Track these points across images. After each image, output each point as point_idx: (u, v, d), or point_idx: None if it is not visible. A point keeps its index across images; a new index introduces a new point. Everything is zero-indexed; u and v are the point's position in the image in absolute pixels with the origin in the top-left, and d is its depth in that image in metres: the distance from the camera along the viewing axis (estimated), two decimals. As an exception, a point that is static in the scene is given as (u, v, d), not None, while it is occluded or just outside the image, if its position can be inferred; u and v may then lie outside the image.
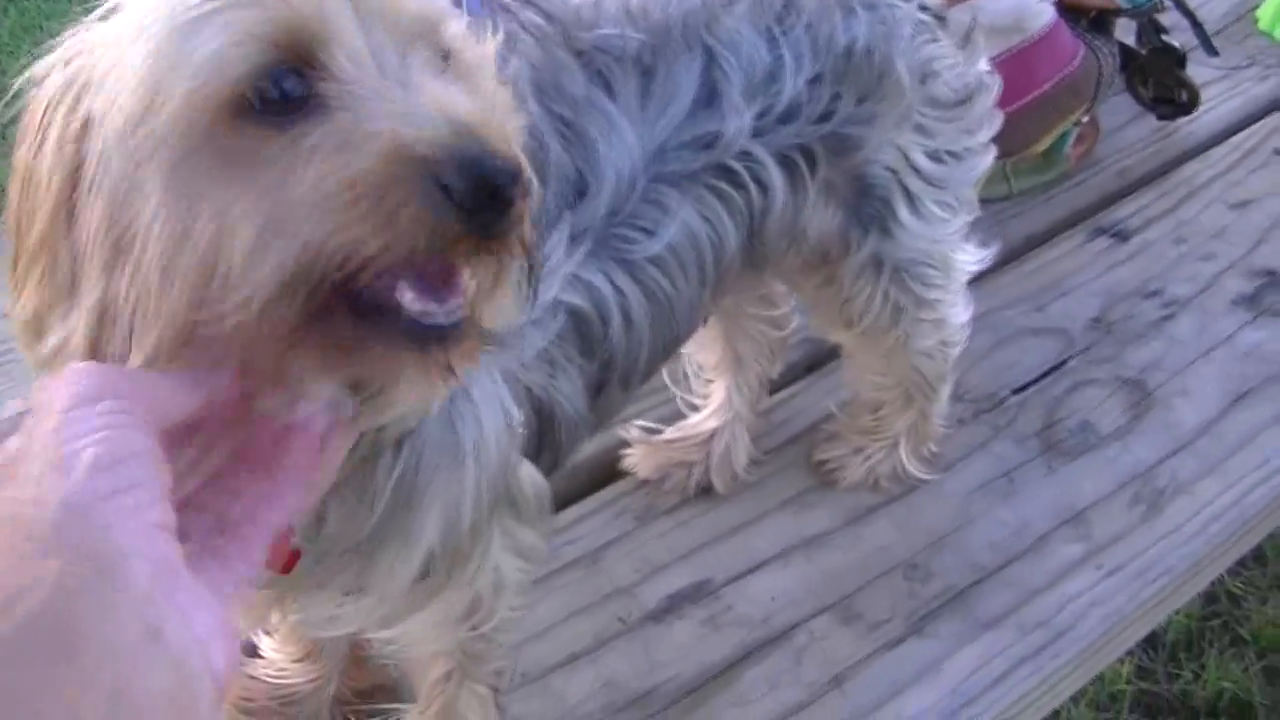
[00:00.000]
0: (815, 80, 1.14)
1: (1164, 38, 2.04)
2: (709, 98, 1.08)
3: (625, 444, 1.57)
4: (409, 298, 0.71)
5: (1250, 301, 1.82)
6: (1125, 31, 2.09)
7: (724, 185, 1.10)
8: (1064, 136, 1.96)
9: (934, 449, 1.57)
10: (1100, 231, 1.94)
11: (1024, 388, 1.69)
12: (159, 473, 0.66)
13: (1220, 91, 2.21)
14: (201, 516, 0.71)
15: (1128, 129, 2.13)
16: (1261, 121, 2.17)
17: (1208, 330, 1.77)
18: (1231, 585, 2.67)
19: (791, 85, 1.12)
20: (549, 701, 1.34)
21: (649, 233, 1.03)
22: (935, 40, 1.24)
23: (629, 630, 1.41)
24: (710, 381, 1.58)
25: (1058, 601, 1.43)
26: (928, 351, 1.41)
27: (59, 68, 0.75)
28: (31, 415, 0.66)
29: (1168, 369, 1.71)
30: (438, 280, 0.72)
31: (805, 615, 1.42)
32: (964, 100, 1.27)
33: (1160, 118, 2.11)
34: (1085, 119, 1.96)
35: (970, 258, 1.39)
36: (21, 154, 0.76)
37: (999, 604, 1.43)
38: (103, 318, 0.73)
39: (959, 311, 1.41)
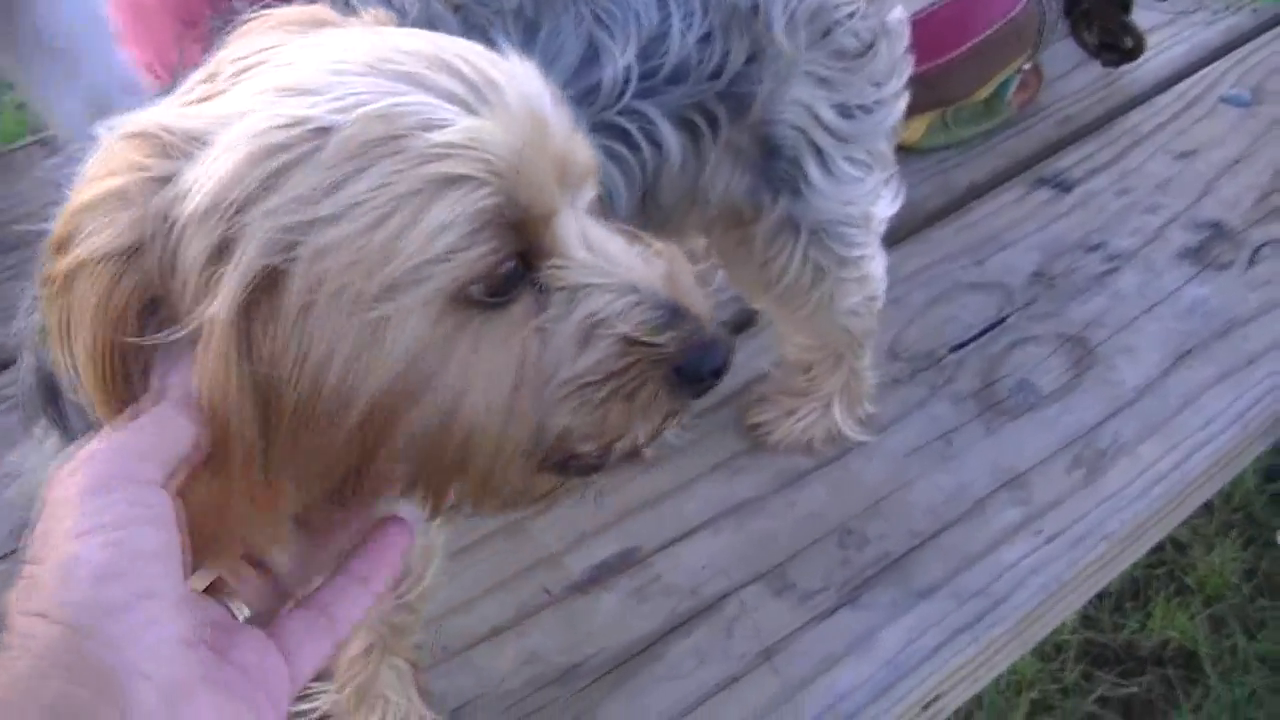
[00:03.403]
0: (705, 39, 1.10)
1: (1110, -20, 2.01)
2: (594, 55, 1.04)
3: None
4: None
5: (1195, 255, 1.79)
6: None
7: (615, 144, 1.07)
8: (1006, 83, 1.92)
9: (869, 409, 1.53)
10: (1042, 182, 1.91)
11: (962, 345, 1.65)
12: (176, 573, 0.63)
13: (1166, 36, 2.18)
14: (308, 611, 0.73)
15: (1072, 76, 2.10)
16: (1209, 67, 2.14)
17: (1151, 285, 1.74)
18: (1177, 533, 2.66)
19: (680, 44, 1.08)
20: (472, 677, 1.30)
21: None
22: None
23: (554, 602, 1.37)
24: (635, 344, 1.53)
25: (995, 569, 1.40)
26: (854, 309, 1.37)
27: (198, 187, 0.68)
28: (49, 504, 0.64)
29: (1110, 325, 1.68)
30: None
31: (736, 585, 1.38)
32: (868, 49, 1.22)
33: (1105, 64, 2.08)
34: (1028, 66, 1.92)
35: (889, 205, 1.34)
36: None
37: (935, 572, 1.40)
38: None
39: (879, 263, 1.37)
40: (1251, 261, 1.78)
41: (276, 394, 0.68)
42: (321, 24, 0.78)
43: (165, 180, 0.67)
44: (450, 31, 0.97)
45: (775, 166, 1.20)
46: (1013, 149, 1.97)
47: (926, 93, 1.80)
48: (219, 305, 0.66)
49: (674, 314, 0.76)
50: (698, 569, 1.39)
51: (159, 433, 0.66)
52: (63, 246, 0.68)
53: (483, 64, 0.73)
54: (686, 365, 0.76)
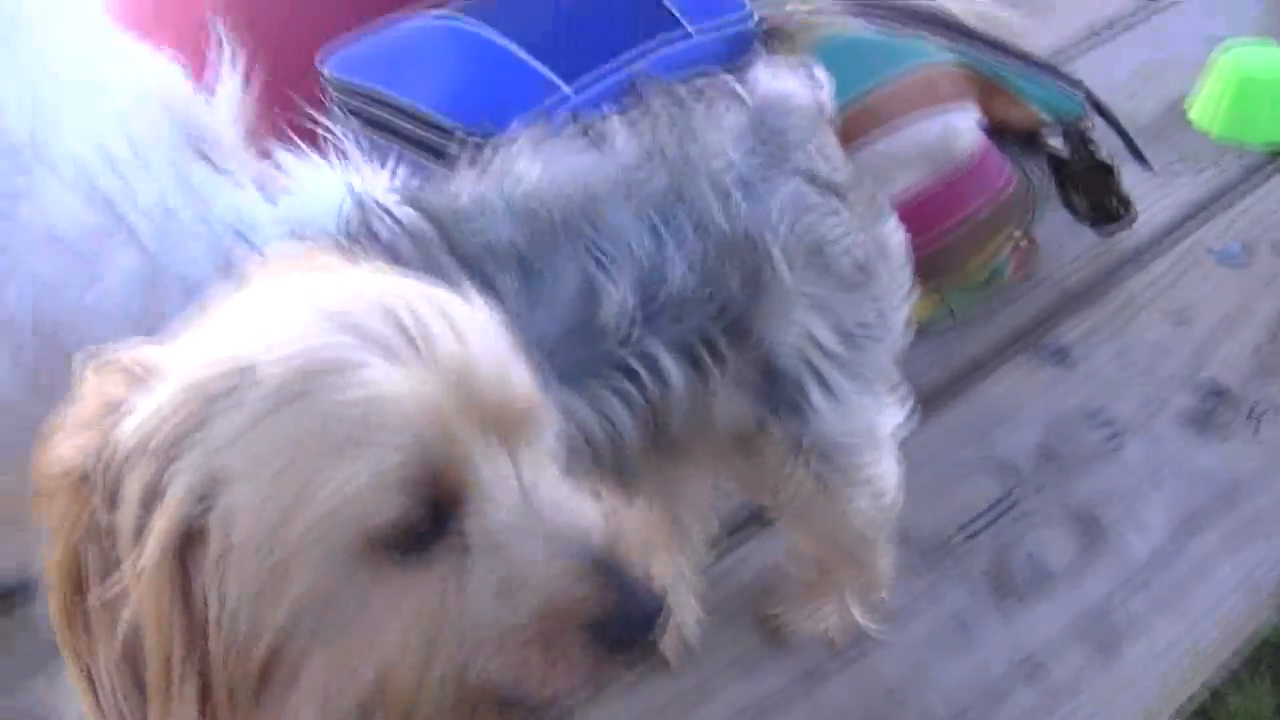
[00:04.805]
0: (701, 271, 1.11)
1: (1095, 153, 2.02)
2: (591, 292, 1.05)
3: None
4: None
5: (1198, 421, 1.80)
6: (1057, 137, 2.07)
7: (620, 381, 1.07)
8: (1003, 261, 1.93)
9: (884, 596, 1.53)
10: (1043, 352, 1.92)
11: (971, 525, 1.66)
12: None
13: (1155, 197, 2.19)
14: None
15: (1065, 242, 2.11)
16: (1200, 224, 2.17)
17: (1156, 455, 1.76)
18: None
19: (677, 277, 1.09)
20: None
21: None
22: (824, 212, 1.19)
23: (580, 818, 1.36)
24: (651, 548, 1.53)
25: (1017, 756, 1.40)
26: (865, 515, 1.36)
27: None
28: None
29: (1117, 499, 1.69)
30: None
31: (764, 788, 1.38)
32: (865, 269, 1.22)
33: (1098, 233, 2.08)
34: (1025, 242, 1.94)
35: (895, 416, 1.33)
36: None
37: (957, 762, 1.40)
38: None
39: (891, 468, 1.35)
40: (1253, 422, 1.79)
41: (206, 640, 0.71)
42: (320, 268, 0.81)
43: (120, 409, 0.70)
44: (448, 277, 1.01)
45: (777, 389, 1.20)
46: (1010, 319, 1.99)
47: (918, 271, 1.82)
48: (147, 557, 0.68)
49: (605, 573, 0.75)
50: (723, 774, 1.39)
51: None
52: (44, 463, 0.72)
53: (424, 309, 0.74)
54: (608, 627, 0.75)
